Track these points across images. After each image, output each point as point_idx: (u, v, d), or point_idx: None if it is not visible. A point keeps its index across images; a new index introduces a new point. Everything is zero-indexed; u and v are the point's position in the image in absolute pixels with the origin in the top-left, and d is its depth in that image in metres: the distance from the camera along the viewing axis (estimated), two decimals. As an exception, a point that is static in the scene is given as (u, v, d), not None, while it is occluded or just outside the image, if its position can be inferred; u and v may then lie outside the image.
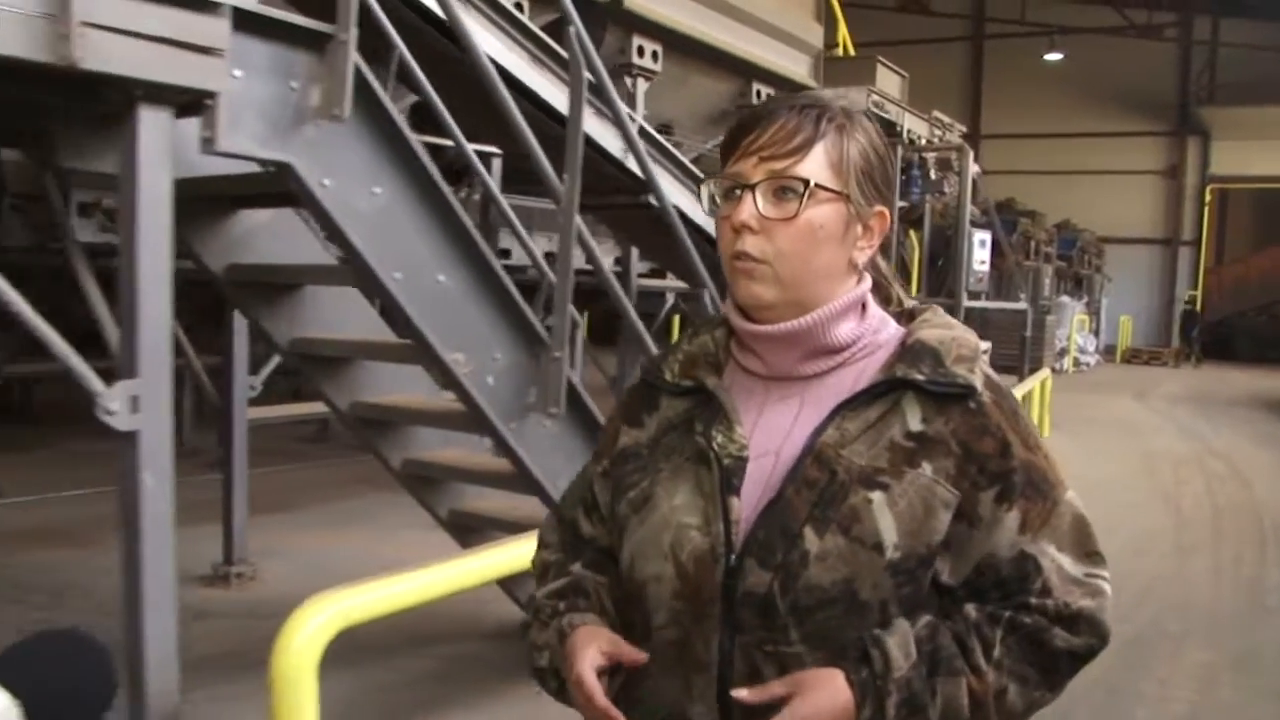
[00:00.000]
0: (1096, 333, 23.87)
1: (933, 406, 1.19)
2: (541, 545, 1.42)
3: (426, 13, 3.50)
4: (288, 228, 3.47)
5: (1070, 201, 24.76)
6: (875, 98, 9.52)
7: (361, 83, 2.61)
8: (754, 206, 1.19)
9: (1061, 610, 1.18)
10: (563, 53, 3.81)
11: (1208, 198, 26.60)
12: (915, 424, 1.19)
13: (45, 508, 6.60)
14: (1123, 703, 4.21)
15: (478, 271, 3.03)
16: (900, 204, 10.43)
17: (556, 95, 3.90)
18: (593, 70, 3.31)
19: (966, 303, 10.24)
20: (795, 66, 8.68)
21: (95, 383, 2.25)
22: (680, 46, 7.30)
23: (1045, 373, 11.25)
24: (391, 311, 3.01)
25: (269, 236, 3.39)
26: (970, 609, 1.18)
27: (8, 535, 5.95)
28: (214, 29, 2.30)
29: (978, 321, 14.25)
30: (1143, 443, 11.47)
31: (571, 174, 3.06)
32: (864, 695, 1.13)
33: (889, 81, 9.84)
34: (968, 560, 1.19)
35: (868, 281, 1.28)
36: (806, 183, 1.18)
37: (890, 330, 1.28)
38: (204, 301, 6.89)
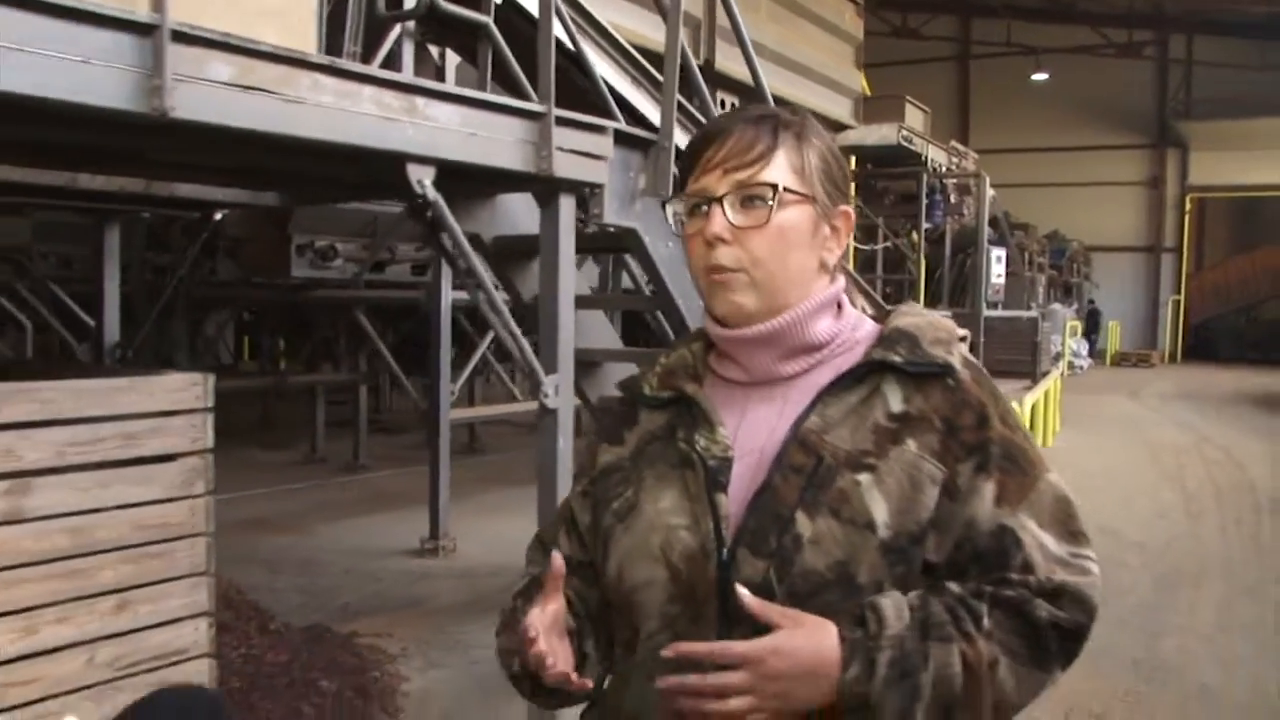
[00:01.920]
0: (1086, 336, 25.39)
1: (913, 386, 1.21)
2: (527, 564, 1.46)
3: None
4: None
5: (1058, 212, 26.22)
6: (904, 132, 10.98)
7: (666, 169, 3.97)
8: (724, 218, 1.21)
9: (1044, 585, 1.17)
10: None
11: (1187, 206, 28.18)
12: (897, 405, 1.21)
13: (243, 504, 7.86)
14: (1163, 614, 5.60)
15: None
16: (925, 226, 11.86)
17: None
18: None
19: (986, 312, 11.63)
20: (840, 109, 10.13)
21: (542, 375, 3.59)
22: (752, 97, 8.67)
23: (1056, 375, 12.69)
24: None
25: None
26: (951, 585, 1.18)
27: (228, 525, 7.19)
28: (605, 144, 3.65)
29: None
30: (1144, 435, 12.88)
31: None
32: (852, 654, 1.12)
33: (915, 118, 11.33)
34: (950, 536, 1.19)
35: (841, 281, 1.31)
36: (775, 187, 1.21)
37: (868, 327, 1.30)
38: (410, 328, 8.16)
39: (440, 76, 5.96)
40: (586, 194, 3.73)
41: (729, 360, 1.31)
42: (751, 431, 1.25)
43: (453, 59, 6.07)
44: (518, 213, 4.32)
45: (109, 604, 3.26)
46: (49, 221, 6.85)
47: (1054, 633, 1.16)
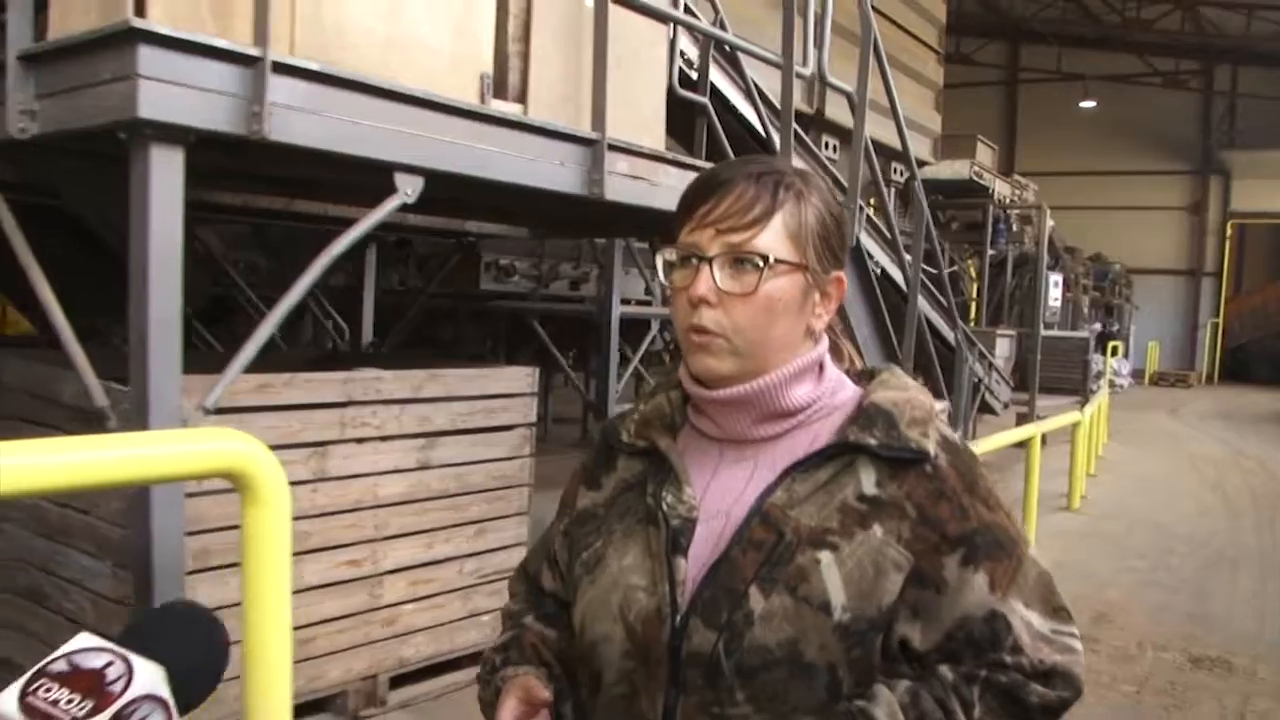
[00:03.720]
0: (1127, 356, 26.67)
1: (886, 470, 1.21)
2: (510, 595, 1.51)
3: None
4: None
5: (1100, 235, 27.42)
6: (975, 168, 12.44)
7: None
8: (711, 280, 1.20)
9: (1036, 667, 1.21)
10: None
11: (1228, 232, 29.54)
12: (869, 487, 1.21)
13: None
14: (1208, 586, 7.04)
15: (876, 326, 5.86)
16: (990, 252, 13.32)
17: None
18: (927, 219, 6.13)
19: (1044, 333, 13.06)
20: (922, 149, 11.52)
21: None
22: (849, 139, 10.14)
23: (1105, 393, 14.08)
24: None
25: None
26: (945, 670, 1.20)
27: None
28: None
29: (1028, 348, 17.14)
30: (1184, 448, 14.31)
31: (914, 280, 5.85)
32: None
33: (985, 155, 12.79)
34: (939, 626, 1.20)
35: (824, 344, 1.31)
36: (766, 258, 1.19)
37: (848, 392, 1.30)
38: (587, 335, 9.60)
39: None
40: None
41: (704, 415, 1.32)
42: (720, 492, 1.27)
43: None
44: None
45: (472, 530, 4.51)
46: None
47: (1041, 714, 1.22)
